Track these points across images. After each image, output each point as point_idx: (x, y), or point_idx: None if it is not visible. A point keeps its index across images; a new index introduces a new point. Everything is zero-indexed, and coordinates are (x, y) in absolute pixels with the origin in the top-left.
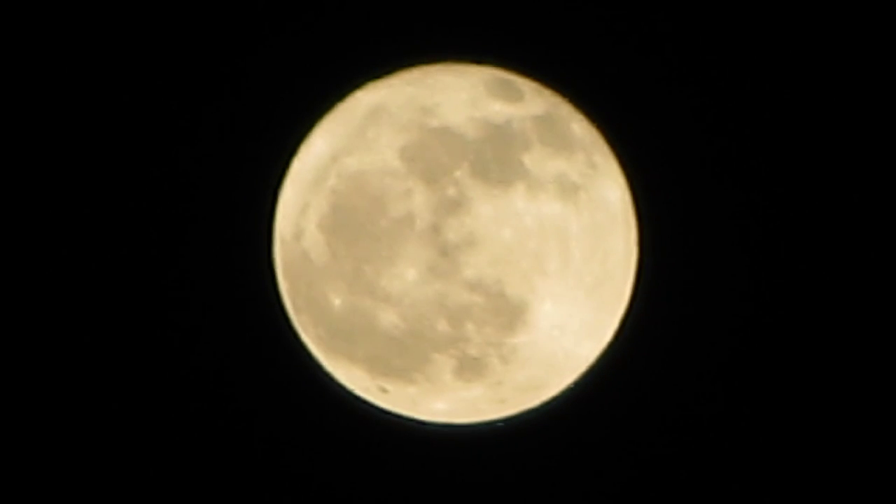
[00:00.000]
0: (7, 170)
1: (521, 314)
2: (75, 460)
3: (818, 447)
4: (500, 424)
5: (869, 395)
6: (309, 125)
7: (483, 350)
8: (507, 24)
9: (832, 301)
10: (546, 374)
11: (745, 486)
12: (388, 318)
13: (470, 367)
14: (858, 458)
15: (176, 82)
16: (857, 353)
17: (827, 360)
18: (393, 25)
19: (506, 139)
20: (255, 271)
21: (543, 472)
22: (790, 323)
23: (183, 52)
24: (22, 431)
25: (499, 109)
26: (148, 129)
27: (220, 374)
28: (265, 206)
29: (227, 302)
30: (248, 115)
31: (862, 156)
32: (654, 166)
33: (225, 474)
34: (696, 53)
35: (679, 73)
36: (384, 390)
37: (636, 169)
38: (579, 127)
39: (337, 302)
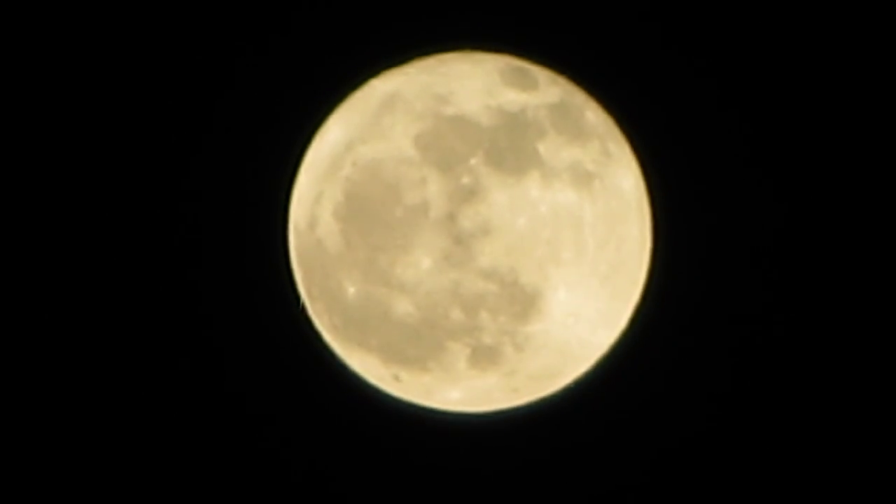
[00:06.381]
0: (33, 164)
1: (536, 302)
2: (88, 454)
3: (832, 431)
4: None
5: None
6: (324, 114)
7: (497, 338)
8: (521, 13)
9: (844, 290)
10: (560, 363)
11: (759, 472)
12: (403, 306)
13: (484, 356)
14: (871, 450)
15: (191, 72)
16: (876, 332)
17: (839, 348)
18: (408, 14)
19: (520, 127)
20: (269, 260)
21: (557, 460)
22: (804, 312)
23: (198, 42)
24: (34, 431)
25: (513, 98)
26: (163, 120)
27: (234, 362)
28: (280, 194)
29: (242, 290)
30: (263, 104)
31: (878, 147)
32: (668, 154)
33: (238, 462)
34: (711, 42)
35: (693, 62)
36: (398, 379)
37: (650, 157)
38: (593, 115)
39: (351, 290)
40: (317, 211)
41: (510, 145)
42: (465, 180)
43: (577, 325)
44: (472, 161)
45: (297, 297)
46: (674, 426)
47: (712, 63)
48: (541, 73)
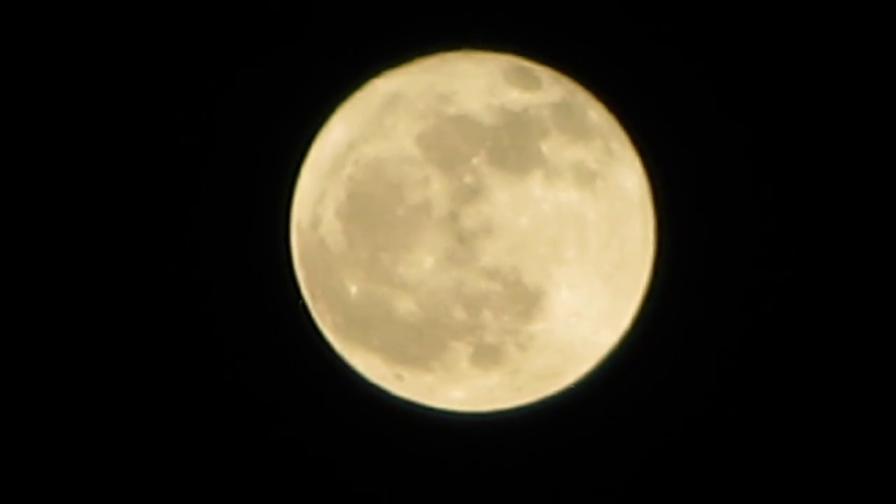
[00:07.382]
0: (37, 165)
1: (539, 302)
2: (92, 449)
3: (834, 433)
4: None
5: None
6: (327, 113)
7: (500, 338)
8: (524, 12)
9: (846, 291)
10: (563, 362)
11: (761, 473)
12: (405, 305)
13: (487, 355)
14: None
15: (194, 73)
16: (877, 334)
17: (841, 349)
18: (410, 13)
19: (523, 126)
20: (272, 259)
21: (560, 459)
22: (806, 312)
23: (200, 43)
24: (37, 429)
25: (516, 97)
26: (166, 120)
27: (237, 361)
28: (282, 194)
29: (245, 290)
30: (265, 103)
31: (881, 144)
32: (671, 153)
33: (240, 461)
34: (713, 41)
35: (696, 61)
36: (401, 378)
37: (653, 156)
38: (596, 114)
39: (354, 289)
40: (319, 210)
41: (513, 144)
42: (468, 179)
43: (580, 324)
44: (475, 160)
45: (298, 295)
46: (676, 426)
47: (715, 62)
48: (543, 73)
